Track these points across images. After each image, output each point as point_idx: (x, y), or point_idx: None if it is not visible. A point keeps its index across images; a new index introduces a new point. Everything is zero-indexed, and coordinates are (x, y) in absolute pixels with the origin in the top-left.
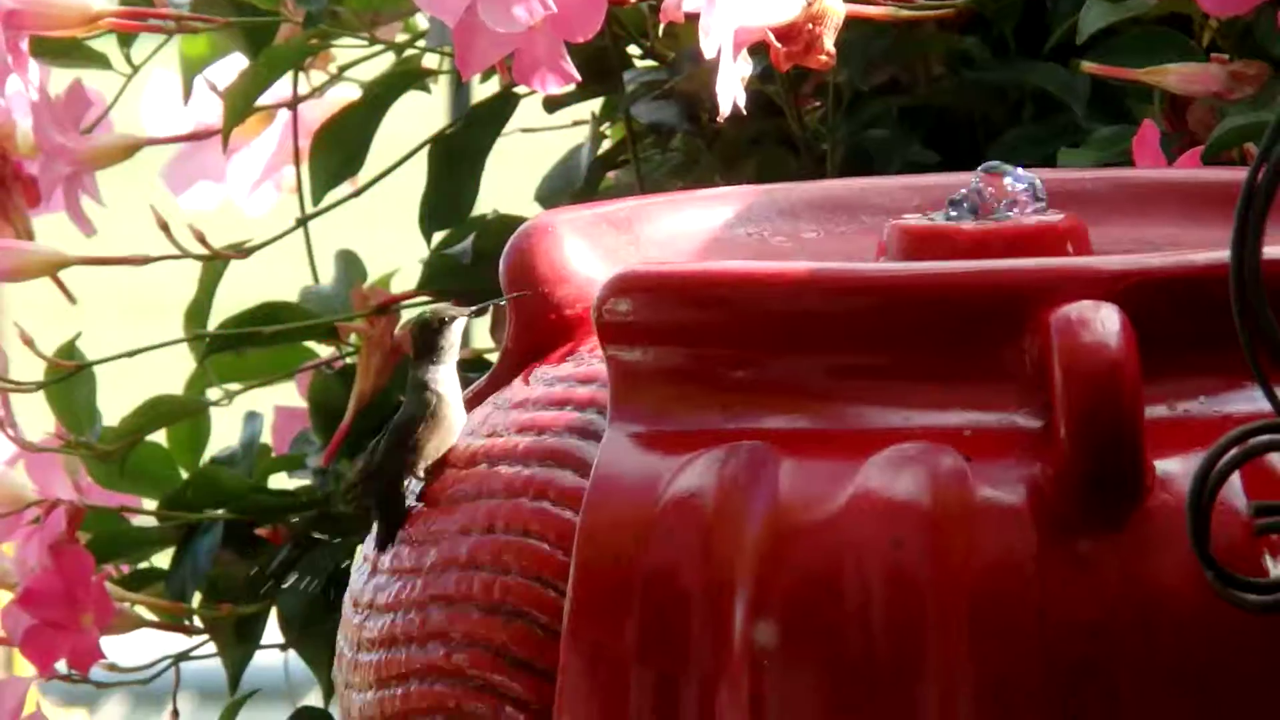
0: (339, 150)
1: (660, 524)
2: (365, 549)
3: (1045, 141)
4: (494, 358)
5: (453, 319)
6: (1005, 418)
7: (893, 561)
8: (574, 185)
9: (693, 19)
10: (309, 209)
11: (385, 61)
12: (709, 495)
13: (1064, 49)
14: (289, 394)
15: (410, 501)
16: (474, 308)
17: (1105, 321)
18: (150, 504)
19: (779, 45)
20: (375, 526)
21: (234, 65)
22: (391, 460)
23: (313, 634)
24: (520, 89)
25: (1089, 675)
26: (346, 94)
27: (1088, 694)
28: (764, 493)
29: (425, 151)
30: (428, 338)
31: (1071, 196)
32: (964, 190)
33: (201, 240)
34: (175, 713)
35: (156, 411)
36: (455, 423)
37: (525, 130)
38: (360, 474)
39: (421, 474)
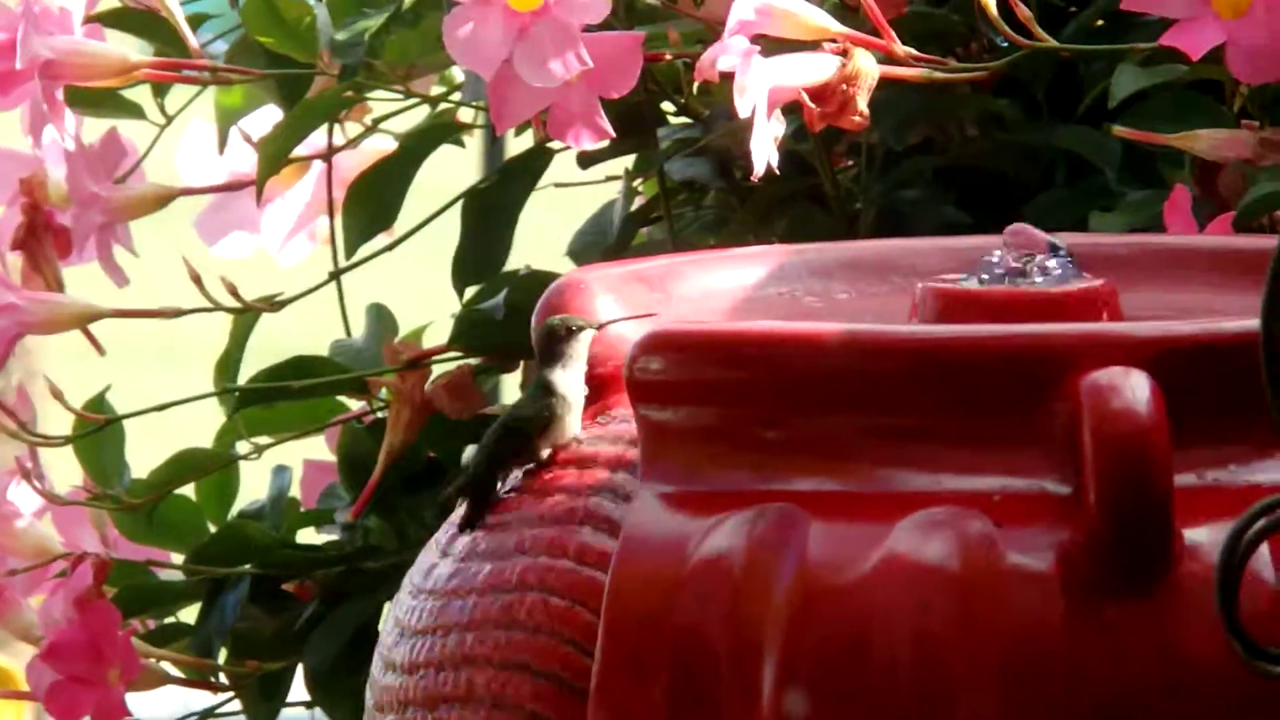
0: (373, 202)
1: (689, 584)
2: (394, 608)
3: (1078, 204)
4: None
5: (580, 329)
6: (1035, 483)
7: (921, 626)
8: (606, 241)
9: (727, 77)
10: (342, 261)
11: (420, 114)
12: (738, 556)
13: (1096, 112)
14: (318, 448)
15: (502, 491)
16: (600, 322)
17: (1135, 388)
18: (178, 558)
19: (813, 105)
20: (464, 508)
21: (269, 116)
22: (501, 448)
23: (340, 691)
24: (555, 144)
25: None
26: (381, 146)
27: None
28: (793, 554)
29: (459, 205)
30: (553, 345)
31: (1103, 260)
32: (996, 253)
33: (233, 292)
34: None
35: (185, 465)
36: (570, 429)
37: (558, 185)
38: (469, 463)
39: (524, 469)
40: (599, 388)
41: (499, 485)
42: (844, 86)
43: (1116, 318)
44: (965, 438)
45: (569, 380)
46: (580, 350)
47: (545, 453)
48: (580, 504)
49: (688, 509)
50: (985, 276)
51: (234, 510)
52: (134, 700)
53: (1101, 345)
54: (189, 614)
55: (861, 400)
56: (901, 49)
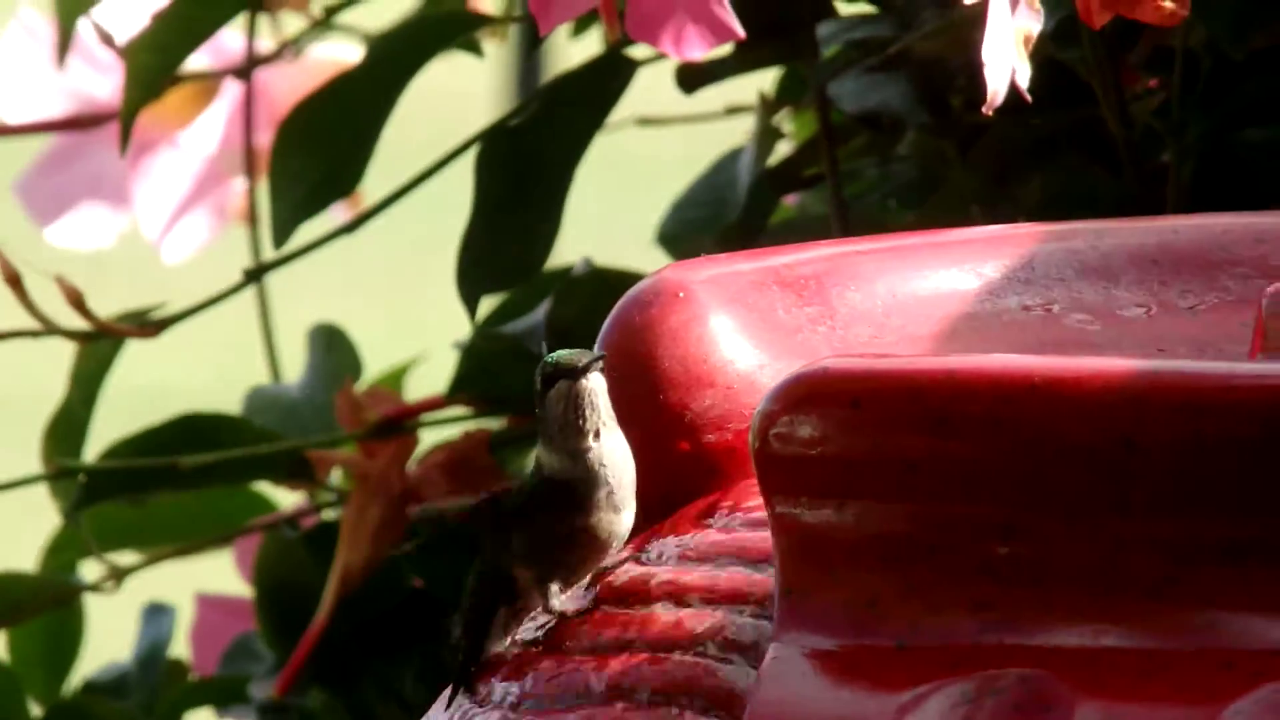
0: (322, 152)
1: None
2: None
3: None
4: None
5: (580, 369)
6: None
7: None
8: (726, 216)
9: None
10: (268, 254)
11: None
12: None
13: None
14: (221, 573)
15: (504, 643)
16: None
17: None
18: None
19: None
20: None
21: (143, 1)
22: (485, 582)
23: None
24: (637, 50)
25: None
26: (338, 54)
27: None
28: None
29: (470, 156)
30: (543, 401)
31: None
32: None
33: (79, 306)
34: None
35: None
36: (616, 529)
37: (643, 123)
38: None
39: (553, 600)
40: (710, 468)
41: (499, 634)
42: None
43: None
44: None
45: (589, 456)
46: (590, 405)
47: (555, 597)
48: (676, 668)
49: (860, 679)
50: None
51: (75, 678)
52: None
53: None
54: None
55: (1173, 493)
56: None
